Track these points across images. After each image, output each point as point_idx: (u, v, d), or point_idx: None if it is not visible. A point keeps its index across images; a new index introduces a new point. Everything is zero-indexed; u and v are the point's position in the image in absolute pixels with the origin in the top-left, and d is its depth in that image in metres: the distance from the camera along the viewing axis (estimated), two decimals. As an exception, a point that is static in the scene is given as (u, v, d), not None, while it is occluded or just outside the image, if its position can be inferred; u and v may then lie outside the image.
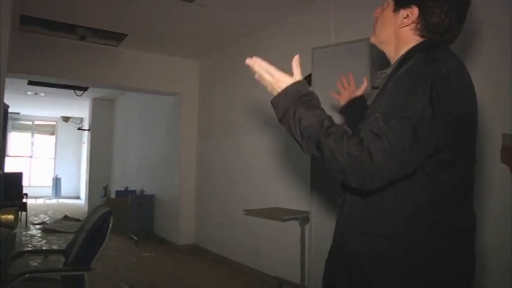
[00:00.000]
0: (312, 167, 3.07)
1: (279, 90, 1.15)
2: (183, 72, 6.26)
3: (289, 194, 4.14)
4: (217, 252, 5.44)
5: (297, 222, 3.50)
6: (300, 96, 1.12)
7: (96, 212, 2.86)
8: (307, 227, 3.38)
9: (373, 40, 1.37)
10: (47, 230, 7.17)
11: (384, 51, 1.35)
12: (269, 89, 1.20)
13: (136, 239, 6.32)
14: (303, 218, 3.40)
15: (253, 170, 4.82)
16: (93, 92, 9.13)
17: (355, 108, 1.70)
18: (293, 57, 1.20)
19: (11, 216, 1.27)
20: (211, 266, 5.12)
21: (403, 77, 1.08)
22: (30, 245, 5.99)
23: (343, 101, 1.77)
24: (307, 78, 3.44)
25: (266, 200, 4.39)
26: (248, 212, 3.88)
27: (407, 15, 1.22)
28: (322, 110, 1.12)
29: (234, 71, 5.31)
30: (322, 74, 2.83)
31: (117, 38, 5.29)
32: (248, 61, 1.20)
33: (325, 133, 1.04)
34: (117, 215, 6.86)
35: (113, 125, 10.27)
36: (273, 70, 1.17)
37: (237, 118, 5.24)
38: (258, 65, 1.19)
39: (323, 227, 2.91)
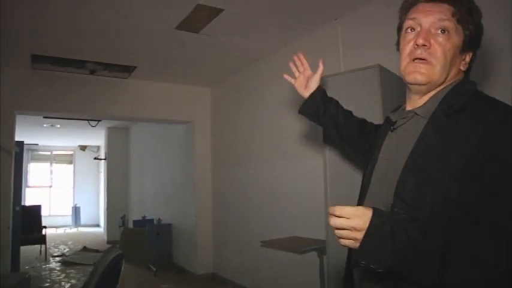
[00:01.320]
0: (326, 193, 2.96)
1: (363, 232, 0.90)
2: (194, 100, 6.25)
3: (305, 222, 4.02)
4: (236, 282, 5.32)
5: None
6: (397, 234, 0.90)
7: (108, 254, 2.80)
8: (325, 257, 3.25)
9: (427, 79, 1.07)
10: (66, 262, 7.17)
11: (423, 93, 1.12)
12: (350, 237, 0.93)
13: (154, 269, 6.24)
14: (321, 249, 3.28)
15: (268, 198, 4.71)
16: (108, 121, 9.21)
17: (316, 106, 1.59)
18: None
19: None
20: (230, 296, 4.99)
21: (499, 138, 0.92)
22: (48, 280, 5.97)
23: (300, 87, 1.63)
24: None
25: (283, 228, 4.28)
26: (264, 244, 3.77)
27: (465, 59, 1.10)
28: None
29: (244, 96, 5.27)
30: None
31: (126, 70, 5.32)
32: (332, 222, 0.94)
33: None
34: (135, 245, 6.89)
35: (128, 154, 10.26)
36: (343, 210, 0.92)
37: (250, 145, 5.17)
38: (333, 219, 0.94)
39: (340, 255, 2.80)
